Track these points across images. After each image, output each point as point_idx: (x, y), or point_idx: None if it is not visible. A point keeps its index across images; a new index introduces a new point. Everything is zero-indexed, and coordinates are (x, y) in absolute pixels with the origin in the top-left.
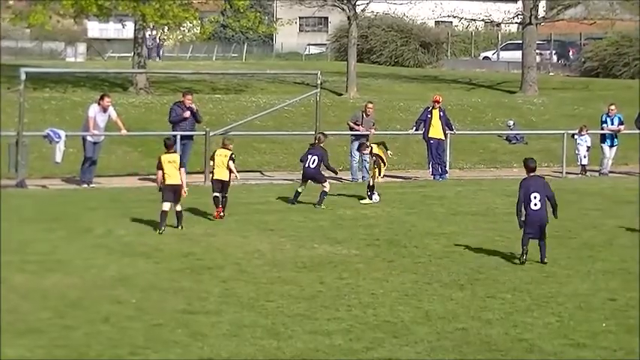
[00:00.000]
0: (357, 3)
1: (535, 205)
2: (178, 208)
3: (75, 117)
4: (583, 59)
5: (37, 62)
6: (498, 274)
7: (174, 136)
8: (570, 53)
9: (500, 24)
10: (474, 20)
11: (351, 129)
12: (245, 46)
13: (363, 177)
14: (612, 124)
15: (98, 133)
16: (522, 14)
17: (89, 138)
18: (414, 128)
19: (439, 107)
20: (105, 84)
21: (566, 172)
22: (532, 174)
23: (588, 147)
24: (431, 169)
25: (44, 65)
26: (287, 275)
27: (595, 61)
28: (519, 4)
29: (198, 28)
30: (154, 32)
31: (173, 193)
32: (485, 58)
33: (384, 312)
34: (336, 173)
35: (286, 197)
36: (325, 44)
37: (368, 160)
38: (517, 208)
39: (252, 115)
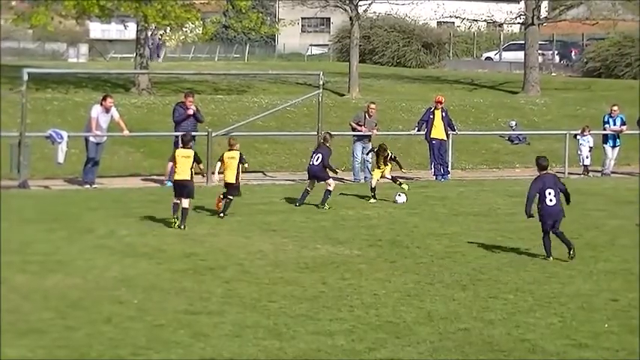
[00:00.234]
0: (359, 3)
1: (550, 200)
2: (185, 204)
3: (77, 118)
4: (585, 59)
5: (40, 63)
6: (500, 274)
7: (177, 136)
8: (572, 53)
9: (502, 24)
10: (476, 21)
11: (354, 129)
12: (247, 47)
13: (365, 177)
14: (614, 124)
15: (100, 134)
16: (525, 14)
17: (91, 139)
18: (417, 129)
19: (441, 108)
20: (107, 85)
21: (569, 173)
22: (544, 172)
23: (591, 147)
24: (433, 170)
25: (46, 66)
26: (289, 276)
27: (597, 62)
28: (522, 4)
29: (200, 28)
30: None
31: (182, 188)
32: (488, 58)
33: (386, 312)
34: (336, 173)
35: (289, 198)
36: (327, 45)
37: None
38: (526, 204)
39: (254, 116)
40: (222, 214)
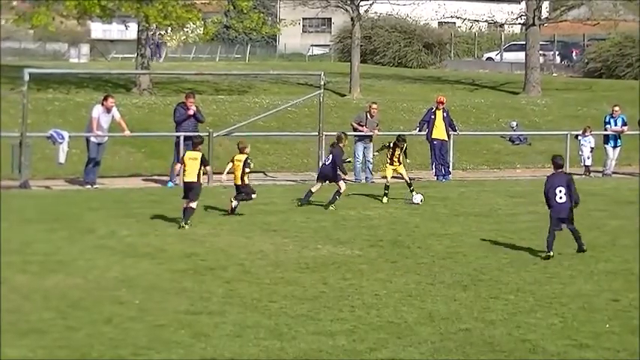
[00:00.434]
0: (360, 4)
1: (560, 198)
2: (192, 205)
3: (78, 118)
4: (586, 60)
5: (41, 63)
6: (501, 274)
7: (178, 137)
8: (573, 54)
9: (503, 25)
10: (477, 21)
11: (355, 130)
12: (248, 47)
13: (366, 178)
14: (615, 125)
15: (102, 134)
16: (526, 15)
17: (93, 139)
18: (418, 129)
19: (443, 108)
20: (108, 85)
21: (570, 173)
22: (559, 170)
23: (592, 148)
24: (434, 170)
25: (47, 66)
26: (290, 276)
27: (598, 62)
28: (523, 4)
29: (202, 29)
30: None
31: (189, 190)
32: (489, 58)
33: (387, 313)
34: (345, 174)
35: (289, 198)
36: (328, 45)
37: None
38: (545, 200)
39: (255, 116)
40: (229, 213)
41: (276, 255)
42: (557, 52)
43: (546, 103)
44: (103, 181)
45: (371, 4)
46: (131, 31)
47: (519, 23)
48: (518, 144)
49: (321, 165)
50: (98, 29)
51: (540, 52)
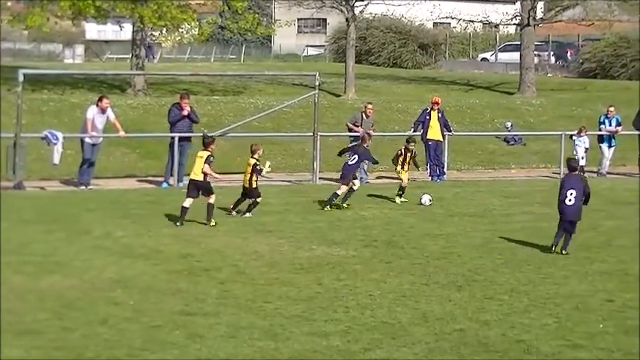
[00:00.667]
0: (355, 4)
1: (570, 200)
2: (211, 200)
3: (73, 119)
4: (581, 60)
5: (35, 64)
6: (496, 275)
7: (172, 138)
8: (568, 54)
9: (498, 25)
10: (472, 21)
11: (350, 130)
12: (243, 48)
13: (361, 178)
14: (610, 125)
15: (96, 135)
16: (520, 15)
17: (87, 140)
18: (413, 129)
19: (437, 109)
20: (103, 85)
21: (564, 174)
22: (573, 172)
23: (586, 148)
24: (429, 171)
25: (42, 67)
26: (285, 276)
27: (593, 62)
28: (517, 5)
29: (197, 29)
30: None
31: (194, 188)
32: (484, 59)
33: (381, 313)
34: (377, 163)
35: (285, 198)
36: (323, 46)
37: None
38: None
39: (250, 117)
40: (233, 213)
41: (271, 256)
42: (551, 53)
43: (541, 103)
44: (98, 182)
45: (366, 5)
46: (126, 32)
47: (514, 24)
48: (512, 144)
49: (346, 164)
50: (93, 30)
51: (535, 52)
